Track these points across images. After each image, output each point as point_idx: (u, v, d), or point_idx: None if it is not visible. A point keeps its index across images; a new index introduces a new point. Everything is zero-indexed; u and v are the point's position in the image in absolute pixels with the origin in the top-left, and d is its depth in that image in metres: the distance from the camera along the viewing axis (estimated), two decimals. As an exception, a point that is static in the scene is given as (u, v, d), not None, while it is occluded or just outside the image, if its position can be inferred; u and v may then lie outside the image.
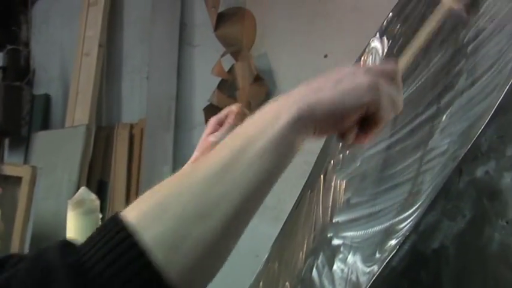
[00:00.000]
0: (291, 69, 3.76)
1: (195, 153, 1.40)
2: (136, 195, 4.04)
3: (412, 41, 1.16)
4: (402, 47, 1.53)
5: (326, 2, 3.64)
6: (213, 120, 1.39)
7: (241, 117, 1.35)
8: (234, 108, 1.38)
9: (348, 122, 0.90)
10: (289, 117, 0.83)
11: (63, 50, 4.53)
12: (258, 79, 3.78)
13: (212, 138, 1.35)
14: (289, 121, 0.83)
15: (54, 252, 0.74)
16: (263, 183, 0.82)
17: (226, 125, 1.36)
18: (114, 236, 0.74)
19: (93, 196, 2.26)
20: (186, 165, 1.32)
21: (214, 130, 1.38)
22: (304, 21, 3.70)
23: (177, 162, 4.02)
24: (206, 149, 1.35)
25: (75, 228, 2.15)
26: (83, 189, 2.28)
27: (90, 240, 0.76)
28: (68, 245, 0.76)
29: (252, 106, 3.80)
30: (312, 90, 0.88)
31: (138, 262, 0.73)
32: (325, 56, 3.63)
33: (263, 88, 3.79)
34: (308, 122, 0.85)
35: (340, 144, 0.95)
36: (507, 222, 0.97)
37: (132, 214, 0.77)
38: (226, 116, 1.38)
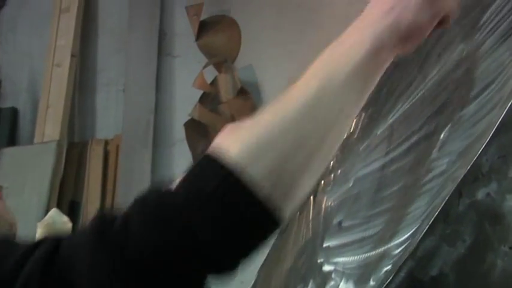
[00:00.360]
0: (278, 82, 3.76)
1: None
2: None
3: None
4: (395, 61, 1.55)
5: (316, 12, 3.66)
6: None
7: None
8: None
9: (426, 35, 0.96)
10: (371, 44, 0.88)
11: (32, 60, 4.51)
12: (242, 92, 3.79)
13: None
14: (371, 46, 0.88)
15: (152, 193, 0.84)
16: (352, 109, 0.90)
17: None
18: (214, 174, 0.81)
19: (65, 218, 2.26)
20: None
21: None
22: (293, 31, 3.71)
23: (155, 181, 4.01)
24: None
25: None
26: (53, 211, 2.27)
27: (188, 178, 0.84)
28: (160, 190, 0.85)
29: (236, 121, 3.80)
30: (385, 12, 0.91)
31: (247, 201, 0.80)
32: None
33: (248, 102, 3.80)
34: (387, 47, 0.90)
35: None
36: (510, 248, 0.98)
37: (232, 148, 0.83)
38: None
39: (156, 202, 0.81)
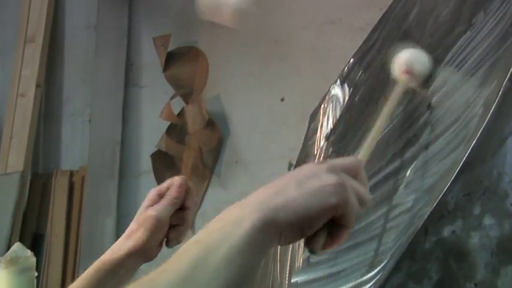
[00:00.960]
0: (245, 113, 3.79)
1: (132, 225, 1.38)
2: (76, 249, 4.02)
3: (371, 130, 1.19)
4: (364, 95, 1.57)
5: (283, 44, 3.69)
6: (153, 192, 1.38)
7: (185, 190, 1.36)
8: (176, 180, 1.38)
9: (316, 227, 0.90)
10: (252, 224, 0.83)
11: (-3, 89, 4.50)
12: (210, 124, 3.80)
13: (152, 211, 1.34)
14: (252, 227, 0.83)
15: None
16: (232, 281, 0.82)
17: (167, 198, 1.36)
18: None
19: (29, 253, 2.22)
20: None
21: (154, 202, 1.37)
22: (260, 62, 3.74)
23: (121, 214, 4.00)
24: (144, 221, 1.35)
25: (14, 284, 2.13)
26: (16, 245, 2.24)
27: None
28: None
29: (203, 152, 3.81)
30: (274, 193, 0.88)
31: None
32: (282, 100, 3.67)
33: (215, 133, 3.81)
34: (272, 228, 0.85)
35: (308, 251, 0.95)
36: (475, 285, 0.99)
37: None
38: (167, 188, 1.38)
39: None
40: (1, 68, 4.51)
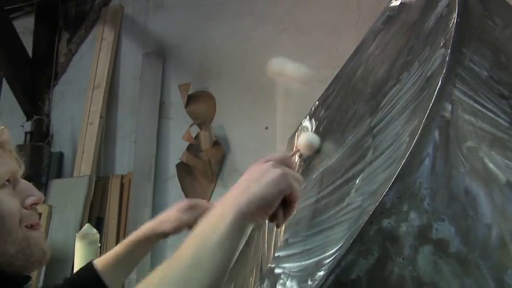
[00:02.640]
0: (240, 137, 3.78)
1: (165, 215, 1.37)
2: (125, 229, 3.98)
3: None
4: (325, 127, 1.55)
5: (266, 90, 3.67)
6: (189, 202, 1.38)
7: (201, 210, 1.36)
8: (203, 203, 1.39)
9: (274, 207, 0.92)
10: (232, 217, 0.85)
11: (74, 120, 4.47)
12: (216, 144, 3.78)
13: (185, 218, 1.34)
14: (232, 219, 0.85)
15: None
16: (224, 264, 0.84)
17: (197, 211, 1.36)
18: None
19: (95, 231, 2.20)
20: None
21: (182, 209, 1.36)
22: (251, 102, 3.73)
23: (155, 205, 3.97)
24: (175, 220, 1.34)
25: (81, 255, 2.10)
26: (87, 226, 2.22)
27: None
28: None
29: (212, 163, 3.79)
30: (242, 192, 0.89)
31: None
32: (266, 128, 3.65)
33: (220, 150, 3.79)
34: (247, 215, 0.86)
35: (274, 224, 0.96)
36: (403, 259, 0.97)
37: None
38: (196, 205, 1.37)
39: None
40: (77, 105, 4.48)
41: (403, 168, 1.00)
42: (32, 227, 1.04)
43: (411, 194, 0.99)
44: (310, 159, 1.52)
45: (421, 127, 1.02)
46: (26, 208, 1.03)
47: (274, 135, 3.79)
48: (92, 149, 4.19)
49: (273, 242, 1.44)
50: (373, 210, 0.99)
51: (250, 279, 1.44)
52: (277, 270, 1.31)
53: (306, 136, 1.38)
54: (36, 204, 1.06)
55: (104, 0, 4.56)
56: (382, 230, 0.98)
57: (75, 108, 4.51)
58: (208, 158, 3.79)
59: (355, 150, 1.30)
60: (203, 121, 3.85)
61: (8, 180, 1.02)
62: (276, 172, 0.91)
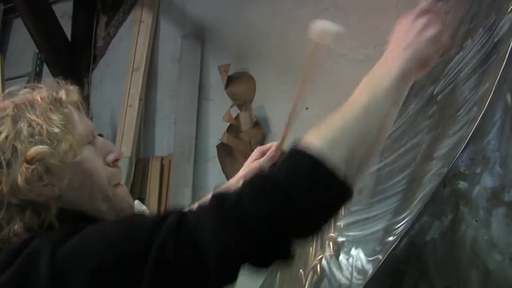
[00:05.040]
0: (280, 118, 3.77)
1: (240, 173, 1.39)
2: (165, 209, 4.03)
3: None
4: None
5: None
6: (258, 150, 1.40)
7: (279, 151, 1.37)
8: (274, 144, 1.40)
9: (434, 62, 1.02)
10: (397, 73, 0.93)
11: (113, 103, 4.51)
12: (256, 124, 3.79)
13: (256, 163, 1.36)
14: (398, 74, 0.92)
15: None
16: (392, 114, 0.93)
17: (268, 155, 1.38)
18: (305, 162, 0.83)
19: (144, 207, 2.24)
20: (237, 177, 1.34)
21: (258, 157, 1.38)
22: (291, 83, 3.68)
23: (196, 186, 4.00)
24: (250, 170, 1.35)
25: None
26: (137, 202, 2.26)
27: (285, 166, 0.85)
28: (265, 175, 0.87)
29: (252, 144, 3.81)
30: (403, 50, 0.95)
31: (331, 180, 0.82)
32: (307, 108, 3.65)
33: (260, 131, 3.80)
34: (409, 71, 0.94)
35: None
36: (476, 221, 0.98)
37: (317, 143, 0.85)
38: (268, 148, 1.39)
39: (262, 180, 0.81)
40: (116, 88, 4.52)
41: (476, 130, 1.01)
42: (117, 184, 1.07)
43: (484, 156, 1.00)
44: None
45: (492, 90, 1.02)
46: (108, 165, 1.06)
47: (315, 116, 3.78)
48: (131, 131, 4.23)
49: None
50: (446, 172, 1.00)
51: (310, 249, 1.46)
52: (340, 239, 1.33)
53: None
54: (117, 160, 1.08)
55: (141, -17, 4.59)
56: (455, 192, 0.99)
57: (114, 91, 4.56)
58: (249, 139, 3.81)
59: (418, 118, 1.31)
60: (243, 102, 3.86)
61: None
62: (431, 31, 0.98)
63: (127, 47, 4.48)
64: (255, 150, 1.43)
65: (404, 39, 0.97)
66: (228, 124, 3.91)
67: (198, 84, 4.15)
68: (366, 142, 0.86)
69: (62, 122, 0.99)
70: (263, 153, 1.41)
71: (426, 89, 1.34)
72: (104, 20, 4.81)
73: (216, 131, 4.00)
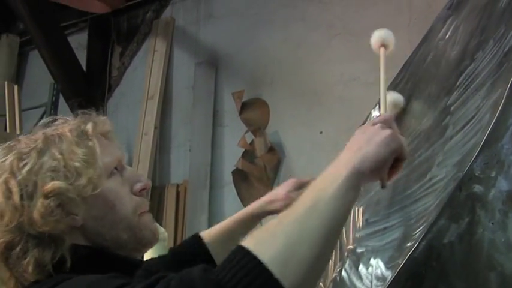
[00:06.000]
0: (295, 142, 3.83)
1: (266, 197, 1.41)
2: (182, 235, 4.05)
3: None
4: (397, 113, 1.59)
5: (320, 95, 3.73)
6: (295, 181, 1.42)
7: None
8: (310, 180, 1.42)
9: (387, 167, 0.94)
10: (347, 174, 0.87)
11: (129, 130, 4.56)
12: (271, 150, 3.84)
13: (293, 195, 1.37)
14: (347, 175, 0.86)
15: (198, 271, 0.79)
16: (337, 221, 0.86)
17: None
18: (241, 258, 0.78)
19: (163, 229, 2.28)
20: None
21: (295, 189, 1.40)
22: (305, 108, 3.78)
23: (212, 212, 4.03)
24: (284, 196, 1.39)
25: (150, 253, 2.17)
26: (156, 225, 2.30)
27: (223, 264, 0.80)
28: (206, 268, 0.80)
29: (267, 169, 3.84)
30: (355, 151, 0.91)
31: (263, 274, 0.77)
32: (321, 132, 3.70)
33: (275, 156, 3.84)
34: (361, 174, 0.88)
35: (381, 184, 0.98)
36: (492, 223, 1.01)
37: (252, 243, 0.81)
38: (306, 182, 1.37)
39: (202, 278, 0.78)
40: (131, 117, 4.58)
41: (489, 135, 1.04)
42: (143, 212, 1.11)
43: (498, 160, 1.03)
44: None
45: (504, 96, 1.06)
46: (135, 194, 1.10)
47: (329, 139, 3.84)
48: (147, 159, 4.29)
49: (351, 224, 1.48)
50: (461, 176, 1.03)
51: (330, 262, 1.48)
52: (359, 250, 1.36)
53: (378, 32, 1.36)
54: (144, 189, 1.12)
55: (155, 13, 4.70)
56: (471, 195, 1.02)
57: (130, 120, 4.62)
58: (264, 164, 3.85)
59: (432, 130, 1.34)
60: (257, 127, 3.91)
61: (115, 168, 1.09)
62: (386, 132, 0.93)
63: (141, 76, 4.57)
64: (290, 181, 1.44)
65: (358, 141, 0.93)
66: (243, 150, 3.96)
67: (212, 111, 4.21)
68: (306, 243, 0.81)
69: (84, 156, 1.02)
70: (300, 185, 1.41)
71: (440, 101, 1.37)
72: (118, 50, 4.91)
73: (231, 157, 4.05)
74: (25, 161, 1.01)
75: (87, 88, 4.76)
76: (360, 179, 0.88)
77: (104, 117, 1.14)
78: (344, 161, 0.90)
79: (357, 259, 1.33)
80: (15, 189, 0.98)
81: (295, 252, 0.80)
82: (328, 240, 0.83)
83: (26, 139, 1.06)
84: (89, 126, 1.08)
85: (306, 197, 0.86)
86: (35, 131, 1.08)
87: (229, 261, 0.79)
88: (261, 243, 0.81)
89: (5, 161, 1.02)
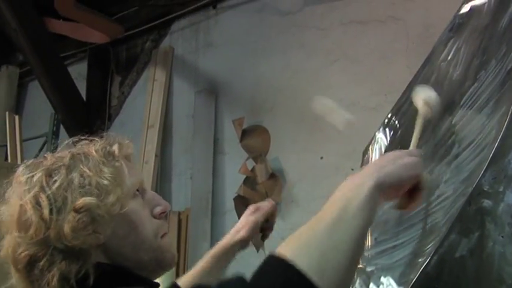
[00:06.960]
0: (296, 168, 3.83)
1: (238, 225, 1.52)
2: (184, 263, 4.04)
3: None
4: (402, 134, 1.62)
5: (321, 120, 3.73)
6: (253, 206, 1.52)
7: (273, 208, 1.49)
8: (270, 201, 1.53)
9: (404, 189, 0.99)
10: (371, 184, 0.92)
11: (129, 159, 4.60)
12: (272, 176, 3.85)
13: (253, 217, 1.48)
14: (372, 186, 0.92)
15: (235, 282, 0.84)
16: (363, 228, 0.90)
17: (263, 210, 1.49)
18: (277, 266, 0.83)
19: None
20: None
21: (253, 212, 1.49)
22: (305, 134, 3.80)
23: (214, 239, 4.02)
24: (247, 223, 1.50)
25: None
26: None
27: (259, 273, 0.84)
28: (243, 278, 0.85)
29: (269, 196, 3.85)
30: (379, 168, 0.96)
31: (303, 282, 0.81)
32: (321, 158, 3.71)
33: (277, 182, 3.86)
34: (382, 188, 0.93)
35: (397, 207, 1.02)
36: (502, 237, 1.03)
37: (287, 252, 0.85)
38: (262, 205, 1.50)
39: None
40: (133, 145, 4.59)
41: (496, 151, 1.07)
42: (163, 235, 1.13)
43: (505, 175, 1.06)
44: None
45: (510, 112, 1.09)
46: (155, 217, 1.12)
47: (330, 165, 3.85)
48: (148, 187, 4.26)
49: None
50: (470, 191, 1.06)
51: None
52: (369, 268, 1.37)
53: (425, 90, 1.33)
54: (164, 212, 1.14)
55: (154, 42, 4.75)
56: (481, 209, 1.05)
57: (130, 149, 4.64)
58: (265, 190, 3.86)
59: (437, 150, 1.36)
60: (258, 154, 3.93)
61: (137, 190, 1.12)
62: (410, 158, 0.99)
63: (141, 105, 4.61)
64: (250, 207, 1.54)
65: (384, 160, 0.99)
66: (244, 177, 3.97)
67: (212, 138, 4.23)
68: (339, 250, 0.85)
69: (112, 175, 1.05)
70: (255, 209, 1.50)
71: (444, 120, 1.40)
72: (118, 80, 4.96)
73: (232, 184, 4.06)
74: (54, 178, 1.03)
75: (87, 117, 4.80)
76: (381, 192, 0.93)
77: (128, 141, 1.17)
78: (368, 173, 0.95)
79: (368, 278, 1.34)
80: (44, 203, 1.00)
81: (330, 260, 0.84)
82: (358, 245, 0.88)
83: (53, 157, 1.09)
84: (115, 148, 1.12)
85: (333, 206, 0.91)
86: (60, 150, 1.12)
87: (265, 271, 0.84)
88: (296, 253, 0.85)
89: (32, 176, 1.04)
